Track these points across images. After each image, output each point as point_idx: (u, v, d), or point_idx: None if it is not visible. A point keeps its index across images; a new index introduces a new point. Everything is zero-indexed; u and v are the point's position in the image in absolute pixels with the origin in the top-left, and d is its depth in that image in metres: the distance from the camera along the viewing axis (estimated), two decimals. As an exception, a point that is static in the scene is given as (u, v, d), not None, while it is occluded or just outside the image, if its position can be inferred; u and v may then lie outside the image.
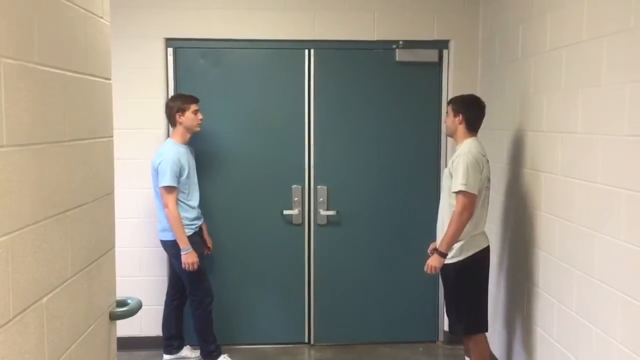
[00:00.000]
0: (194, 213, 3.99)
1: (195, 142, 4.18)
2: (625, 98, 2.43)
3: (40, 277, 1.44)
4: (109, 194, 1.96)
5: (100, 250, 1.87)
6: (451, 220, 3.30)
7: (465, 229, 3.30)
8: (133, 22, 4.25)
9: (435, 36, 4.38)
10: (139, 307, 2.07)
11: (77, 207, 1.66)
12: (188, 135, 3.99)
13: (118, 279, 2.05)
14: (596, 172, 2.66)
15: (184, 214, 3.89)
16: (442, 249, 3.31)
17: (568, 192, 2.94)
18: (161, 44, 4.33)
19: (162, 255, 4.29)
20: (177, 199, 3.87)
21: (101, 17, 1.90)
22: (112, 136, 1.99)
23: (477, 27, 4.37)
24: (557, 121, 3.09)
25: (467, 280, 3.39)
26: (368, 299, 4.61)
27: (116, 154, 2.06)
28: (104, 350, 1.90)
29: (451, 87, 4.39)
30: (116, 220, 2.05)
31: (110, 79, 1.97)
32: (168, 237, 3.92)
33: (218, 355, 4.08)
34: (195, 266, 3.88)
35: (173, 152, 3.86)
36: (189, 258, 3.85)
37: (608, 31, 2.57)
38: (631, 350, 2.39)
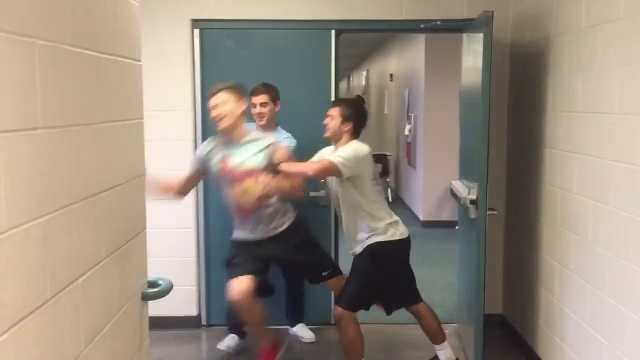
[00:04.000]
0: None
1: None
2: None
3: (75, 258, 1.45)
4: (141, 175, 1.96)
5: (132, 231, 1.88)
6: (303, 164, 3.39)
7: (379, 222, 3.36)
8: (160, 3, 4.24)
9: (464, 14, 4.29)
10: (170, 288, 2.08)
11: (110, 189, 1.67)
12: None
13: (148, 260, 2.07)
14: (633, 153, 2.59)
15: None
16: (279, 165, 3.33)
17: (603, 175, 2.87)
18: (187, 26, 4.31)
19: (189, 236, 4.35)
20: None
21: (131, -2, 1.89)
22: (142, 118, 1.99)
23: (508, 5, 4.27)
24: (591, 102, 3.01)
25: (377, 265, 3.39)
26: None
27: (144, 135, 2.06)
28: (136, 330, 1.92)
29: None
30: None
31: (140, 60, 1.97)
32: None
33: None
34: None
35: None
36: None
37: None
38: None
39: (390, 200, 9.72)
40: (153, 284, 2.04)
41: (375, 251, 3.38)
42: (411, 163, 8.75)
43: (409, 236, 3.51)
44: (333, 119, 3.45)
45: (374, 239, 3.38)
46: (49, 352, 1.31)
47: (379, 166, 10.17)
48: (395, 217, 3.50)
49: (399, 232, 3.44)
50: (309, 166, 3.39)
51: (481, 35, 3.47)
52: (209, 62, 4.39)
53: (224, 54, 4.41)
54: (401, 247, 3.47)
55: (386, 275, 3.46)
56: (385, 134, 11.77)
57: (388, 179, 10.12)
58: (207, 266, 4.51)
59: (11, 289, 1.16)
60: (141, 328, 1.97)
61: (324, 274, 3.73)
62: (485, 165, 3.49)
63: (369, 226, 3.39)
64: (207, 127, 4.15)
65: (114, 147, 1.73)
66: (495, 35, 4.14)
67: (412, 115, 8.54)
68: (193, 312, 4.50)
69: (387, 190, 9.89)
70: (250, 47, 4.42)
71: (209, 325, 4.54)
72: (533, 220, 3.84)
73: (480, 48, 3.47)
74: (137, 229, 1.93)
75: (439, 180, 7.62)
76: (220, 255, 3.94)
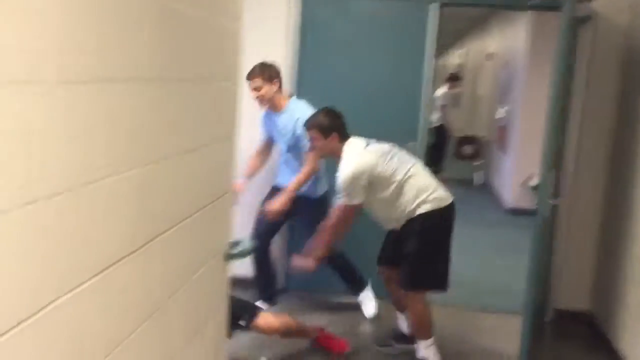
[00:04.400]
0: None
1: (309, 94, 4.16)
2: None
3: (166, 210, 1.49)
4: (231, 136, 1.99)
5: (220, 191, 1.91)
6: (326, 232, 3.34)
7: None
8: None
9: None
10: (252, 249, 2.12)
11: (203, 147, 1.70)
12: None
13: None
14: None
15: None
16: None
17: None
18: (288, -8, 4.30)
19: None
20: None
21: (235, -41, 1.89)
22: (237, 81, 2.01)
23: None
24: None
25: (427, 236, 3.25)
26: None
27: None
28: (217, 288, 1.97)
29: (600, 42, 4.00)
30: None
31: (240, 19, 1.97)
32: None
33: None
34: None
35: None
36: None
37: None
38: None
39: (480, 183, 9.45)
40: (235, 245, 2.08)
41: (416, 224, 3.24)
42: (502, 148, 8.44)
43: (445, 207, 3.28)
44: (316, 140, 3.36)
45: (406, 218, 3.26)
46: (135, 300, 1.36)
47: (469, 147, 9.90)
48: (427, 193, 3.25)
49: (430, 204, 3.24)
50: (331, 230, 3.34)
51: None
52: (307, 31, 4.37)
53: (322, 23, 4.38)
54: (436, 217, 3.27)
55: (428, 247, 3.31)
56: (476, 116, 11.41)
57: (479, 163, 9.83)
58: (290, 229, 4.49)
59: (104, 234, 1.20)
60: (221, 287, 2.02)
61: None
62: (549, 152, 3.30)
63: (402, 212, 3.25)
64: (301, 97, 4.16)
65: (209, 107, 1.75)
66: (609, 20, 3.84)
67: (508, 99, 8.21)
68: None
69: (477, 174, 9.62)
70: (349, 16, 4.36)
71: (286, 289, 4.60)
72: (629, 218, 3.61)
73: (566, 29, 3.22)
74: (225, 189, 1.96)
75: (530, 168, 7.31)
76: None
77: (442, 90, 9.49)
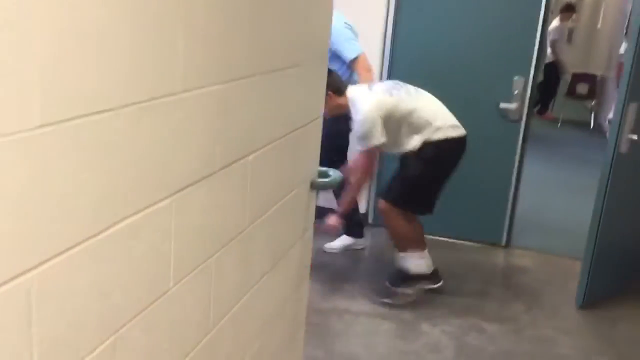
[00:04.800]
0: None
1: (412, 23, 3.92)
2: None
3: (248, 132, 1.40)
4: (323, 57, 1.86)
5: (309, 116, 1.81)
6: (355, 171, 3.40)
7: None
8: None
9: None
10: (339, 180, 2.02)
11: (289, 68, 1.59)
12: None
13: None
14: None
15: None
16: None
17: None
18: None
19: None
20: None
21: None
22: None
23: None
24: None
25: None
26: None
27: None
28: (302, 217, 1.89)
29: None
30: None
31: None
32: None
33: None
34: None
35: None
36: None
37: None
38: None
39: (591, 126, 8.84)
40: (323, 174, 1.98)
41: (424, 151, 3.33)
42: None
43: (454, 138, 3.36)
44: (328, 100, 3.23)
45: (420, 142, 3.34)
46: (212, 223, 1.30)
47: (584, 86, 9.16)
48: (437, 122, 3.33)
49: (439, 133, 3.33)
50: (357, 181, 3.45)
51: None
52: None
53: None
54: (443, 147, 3.35)
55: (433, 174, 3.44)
56: (594, 52, 10.51)
57: (593, 103, 9.13)
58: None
59: (180, 153, 1.13)
60: (307, 215, 1.95)
61: None
62: (625, 86, 3.16)
63: (415, 136, 3.33)
64: (404, 28, 3.94)
65: (297, 23, 1.62)
66: None
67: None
68: (361, 209, 4.48)
69: (591, 115, 8.97)
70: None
71: (375, 225, 4.54)
72: None
73: None
74: (314, 115, 1.85)
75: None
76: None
77: (554, 24, 8.75)
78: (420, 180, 3.43)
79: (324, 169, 2.00)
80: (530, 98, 4.11)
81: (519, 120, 4.16)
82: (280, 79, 1.53)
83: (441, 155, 3.36)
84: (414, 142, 3.32)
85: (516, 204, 4.35)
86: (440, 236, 4.37)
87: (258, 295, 1.61)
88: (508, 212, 4.34)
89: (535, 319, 3.47)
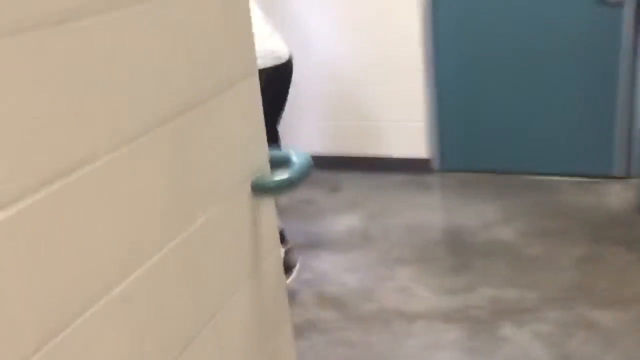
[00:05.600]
0: None
1: None
2: None
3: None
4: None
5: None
6: None
7: None
8: None
9: None
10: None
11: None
12: None
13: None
14: None
15: None
16: None
17: None
18: None
19: (413, 55, 3.32)
20: None
21: None
22: None
23: None
24: None
25: None
26: None
27: None
28: (247, 242, 1.03)
29: None
30: None
31: None
32: None
33: None
34: None
35: None
36: None
37: None
38: None
39: None
40: (279, 162, 1.08)
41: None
42: None
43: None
44: None
45: None
46: None
47: None
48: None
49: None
50: None
51: None
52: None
53: None
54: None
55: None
56: None
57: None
58: (439, 96, 3.51)
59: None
60: (256, 239, 1.08)
61: None
62: None
63: None
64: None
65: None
66: None
67: None
68: (422, 154, 3.64)
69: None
70: None
71: (442, 170, 3.64)
72: None
73: None
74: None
75: None
76: (457, 79, 3.23)
77: None
78: None
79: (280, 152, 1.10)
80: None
81: (621, 5, 3.03)
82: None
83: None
84: None
85: (635, 117, 3.20)
86: (530, 174, 3.41)
87: None
88: (618, 130, 3.25)
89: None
